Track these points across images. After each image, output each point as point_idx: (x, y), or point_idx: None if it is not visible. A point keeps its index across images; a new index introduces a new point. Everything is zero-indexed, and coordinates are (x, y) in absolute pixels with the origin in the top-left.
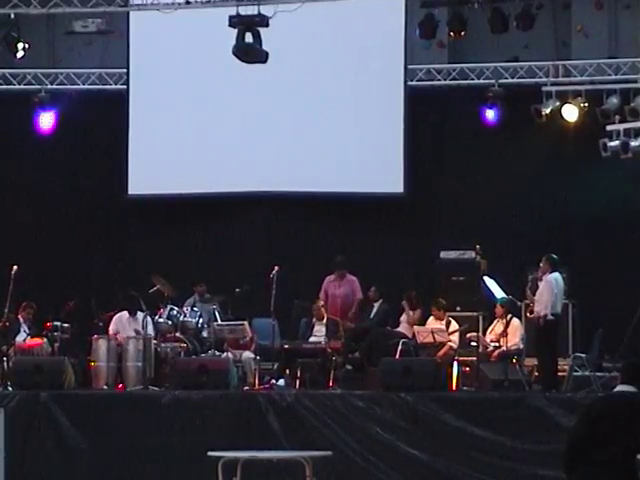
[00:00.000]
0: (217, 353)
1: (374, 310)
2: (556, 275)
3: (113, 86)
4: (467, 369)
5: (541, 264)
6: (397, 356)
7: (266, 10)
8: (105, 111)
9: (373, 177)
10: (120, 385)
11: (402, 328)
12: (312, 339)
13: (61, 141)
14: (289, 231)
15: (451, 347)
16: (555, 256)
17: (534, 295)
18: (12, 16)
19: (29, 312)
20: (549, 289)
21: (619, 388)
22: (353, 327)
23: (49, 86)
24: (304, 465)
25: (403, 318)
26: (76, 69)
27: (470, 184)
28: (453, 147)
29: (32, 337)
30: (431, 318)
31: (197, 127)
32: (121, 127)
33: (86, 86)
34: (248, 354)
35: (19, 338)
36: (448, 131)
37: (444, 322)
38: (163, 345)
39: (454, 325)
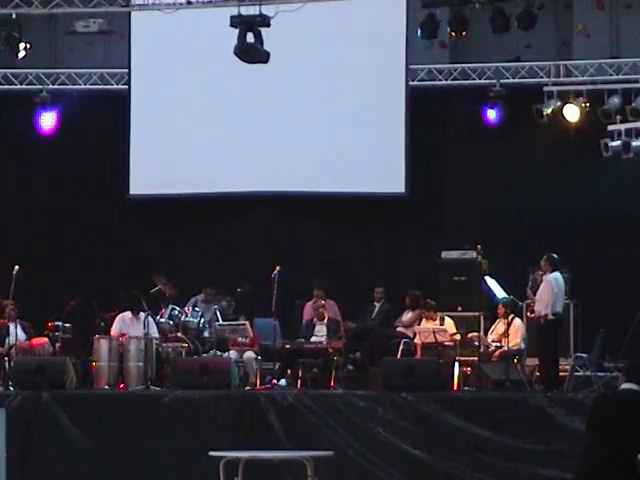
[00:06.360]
0: (218, 353)
1: (375, 310)
2: (556, 275)
3: (114, 86)
4: (468, 369)
5: (541, 264)
6: (398, 356)
7: (267, 10)
8: (106, 111)
9: (374, 177)
10: (121, 385)
11: (399, 328)
12: (313, 339)
13: (62, 141)
14: (290, 231)
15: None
16: (555, 255)
17: (535, 295)
18: (14, 16)
19: (12, 309)
20: (549, 289)
21: (624, 386)
22: (354, 327)
23: (50, 86)
24: (305, 465)
25: (404, 317)
26: (77, 69)
27: (471, 184)
28: (454, 147)
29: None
30: (424, 320)
31: (198, 127)
32: (122, 127)
33: (87, 86)
34: (250, 354)
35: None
36: (449, 131)
37: (437, 322)
38: (164, 345)
39: (449, 322)
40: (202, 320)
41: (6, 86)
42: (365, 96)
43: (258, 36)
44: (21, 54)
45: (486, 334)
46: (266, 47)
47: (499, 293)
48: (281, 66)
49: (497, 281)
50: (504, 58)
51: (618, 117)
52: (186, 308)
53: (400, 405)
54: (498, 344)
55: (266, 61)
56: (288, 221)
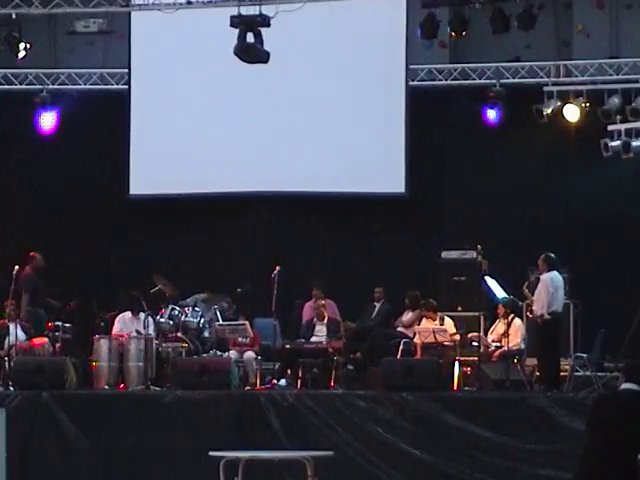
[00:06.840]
0: (218, 353)
1: (375, 310)
2: (552, 274)
3: (114, 86)
4: (468, 369)
5: (538, 263)
6: (398, 356)
7: (267, 10)
8: (106, 111)
9: (374, 177)
10: (121, 385)
11: (399, 328)
12: (313, 339)
13: (62, 141)
14: (290, 231)
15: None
16: (552, 255)
17: (533, 295)
18: (14, 16)
19: (12, 309)
20: (545, 289)
21: (624, 386)
22: (354, 327)
23: (50, 86)
24: (305, 465)
25: (404, 317)
26: (77, 69)
27: (471, 184)
28: (454, 147)
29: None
30: (424, 320)
31: (198, 127)
32: (122, 127)
33: (87, 86)
34: (250, 354)
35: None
36: (449, 131)
37: (437, 322)
38: (164, 345)
39: (448, 322)
40: (202, 320)
41: (6, 86)
42: (365, 96)
43: (258, 36)
44: (21, 54)
45: (486, 334)
46: (266, 47)
47: (499, 293)
48: (281, 66)
49: (497, 281)
50: (504, 58)
51: (618, 117)
52: (186, 308)
53: (400, 405)
54: (498, 344)
55: (266, 61)
56: (288, 221)
